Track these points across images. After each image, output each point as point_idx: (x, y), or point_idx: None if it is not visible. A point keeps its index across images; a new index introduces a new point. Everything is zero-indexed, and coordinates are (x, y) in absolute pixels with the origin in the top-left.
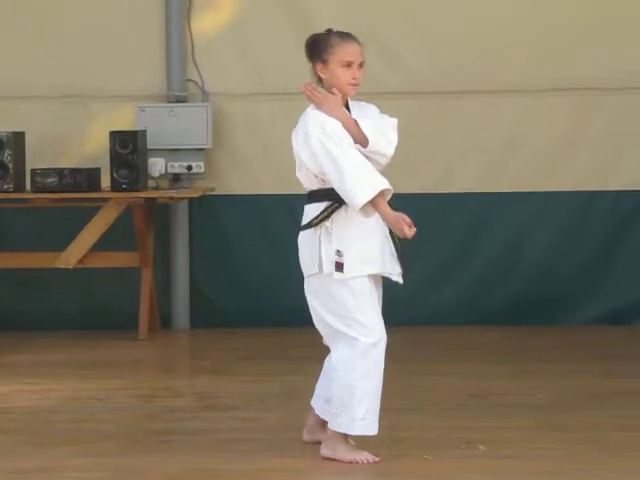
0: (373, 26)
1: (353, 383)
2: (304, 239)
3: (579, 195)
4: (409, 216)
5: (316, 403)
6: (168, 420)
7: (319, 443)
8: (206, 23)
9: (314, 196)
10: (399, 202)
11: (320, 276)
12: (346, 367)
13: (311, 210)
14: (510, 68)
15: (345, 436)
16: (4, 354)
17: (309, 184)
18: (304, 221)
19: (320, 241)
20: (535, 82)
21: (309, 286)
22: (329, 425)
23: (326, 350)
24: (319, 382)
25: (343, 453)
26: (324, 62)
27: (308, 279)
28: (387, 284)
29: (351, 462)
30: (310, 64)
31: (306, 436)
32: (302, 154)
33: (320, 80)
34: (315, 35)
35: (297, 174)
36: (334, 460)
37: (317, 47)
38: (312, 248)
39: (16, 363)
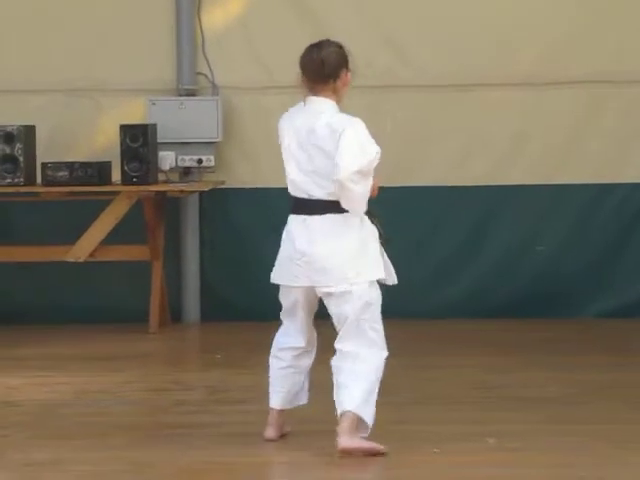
0: (382, 20)
1: (376, 383)
2: (357, 244)
3: (589, 188)
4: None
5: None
6: (179, 413)
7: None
8: (216, 17)
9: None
10: (409, 195)
11: (368, 284)
12: (373, 367)
13: (353, 219)
14: (520, 61)
15: None
16: (15, 347)
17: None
18: (347, 228)
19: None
20: (545, 75)
21: (357, 291)
22: (358, 411)
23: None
24: (284, 378)
25: (362, 442)
26: (349, 70)
27: (357, 286)
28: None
29: (371, 450)
30: (336, 72)
31: (274, 433)
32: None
33: (308, 89)
34: (340, 44)
35: (323, 183)
36: (350, 453)
37: (347, 57)
38: (365, 256)
39: (27, 356)
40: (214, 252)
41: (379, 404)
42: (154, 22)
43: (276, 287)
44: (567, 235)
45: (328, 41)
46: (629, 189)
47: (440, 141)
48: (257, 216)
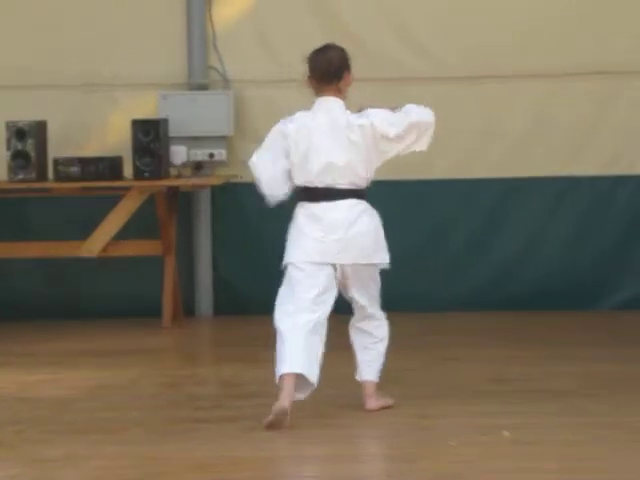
0: (397, 12)
1: (384, 341)
2: (378, 230)
3: (603, 180)
4: None
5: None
6: (192, 408)
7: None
8: (227, 10)
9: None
10: (424, 188)
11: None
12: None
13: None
14: (534, 52)
15: None
16: (29, 343)
17: (367, 180)
18: (375, 214)
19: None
20: (559, 66)
21: (374, 272)
22: (375, 377)
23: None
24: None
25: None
26: (351, 72)
27: (375, 266)
28: (409, 273)
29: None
30: (340, 74)
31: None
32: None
33: (313, 89)
34: (343, 48)
35: (357, 168)
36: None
37: (348, 59)
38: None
39: (41, 352)
40: (226, 246)
41: (396, 397)
42: (165, 16)
43: None
44: (582, 227)
45: (332, 45)
46: None
47: (455, 133)
48: (269, 210)
